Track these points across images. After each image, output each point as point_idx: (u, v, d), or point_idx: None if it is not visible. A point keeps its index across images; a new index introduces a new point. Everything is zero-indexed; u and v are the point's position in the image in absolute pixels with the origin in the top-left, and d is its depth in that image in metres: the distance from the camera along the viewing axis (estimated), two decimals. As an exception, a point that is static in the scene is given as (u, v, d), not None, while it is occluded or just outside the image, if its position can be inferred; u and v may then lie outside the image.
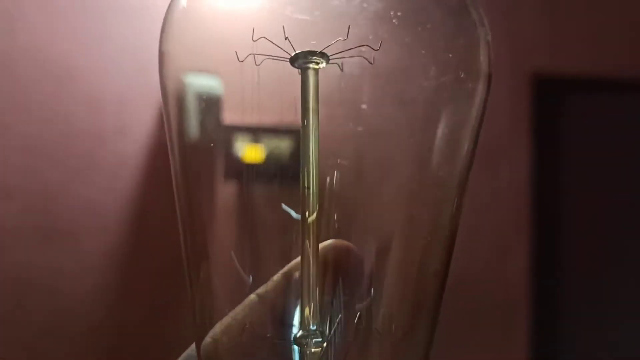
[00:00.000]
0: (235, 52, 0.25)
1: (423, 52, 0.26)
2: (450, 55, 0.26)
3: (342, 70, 0.25)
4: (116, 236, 1.49)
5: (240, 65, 0.26)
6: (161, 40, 0.29)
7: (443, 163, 0.27)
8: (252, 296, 0.27)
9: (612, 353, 1.69)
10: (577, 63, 1.70)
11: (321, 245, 0.26)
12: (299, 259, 0.26)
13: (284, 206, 0.27)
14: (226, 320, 0.27)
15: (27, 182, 1.46)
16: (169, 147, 0.29)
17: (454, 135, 0.27)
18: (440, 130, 0.27)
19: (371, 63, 0.25)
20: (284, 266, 0.27)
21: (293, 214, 0.26)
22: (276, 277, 0.27)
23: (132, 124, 1.49)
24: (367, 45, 0.25)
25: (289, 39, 0.25)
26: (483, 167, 1.64)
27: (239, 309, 0.27)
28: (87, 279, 1.47)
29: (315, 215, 0.25)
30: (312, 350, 0.25)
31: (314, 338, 0.25)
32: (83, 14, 1.49)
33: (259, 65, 0.25)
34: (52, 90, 1.47)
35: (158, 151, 1.50)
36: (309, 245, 0.25)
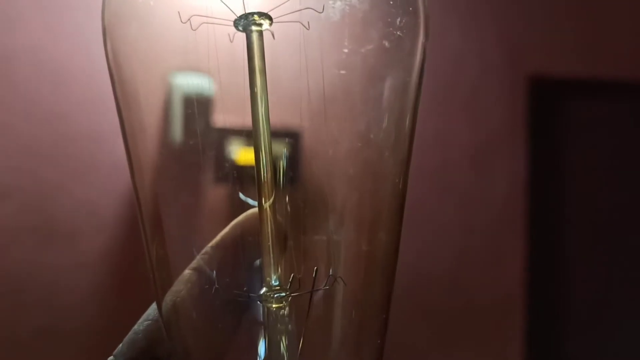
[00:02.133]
0: (179, 12, 0.25)
1: (366, 13, 0.27)
2: (391, 16, 0.27)
3: (308, 29, 0.26)
4: (113, 236, 1.49)
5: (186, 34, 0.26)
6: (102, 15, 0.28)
7: (388, 126, 0.27)
8: (202, 253, 0.28)
9: (608, 355, 1.68)
10: (572, 65, 1.71)
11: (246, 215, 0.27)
12: (239, 218, 0.27)
13: (241, 196, 0.27)
14: (183, 276, 0.28)
15: (24, 182, 1.46)
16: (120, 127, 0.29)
17: (397, 97, 0.28)
18: (384, 91, 0.27)
19: (307, 28, 0.26)
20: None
21: (250, 201, 0.27)
22: (215, 239, 0.28)
23: (129, 124, 1.49)
24: (311, 8, 0.25)
25: (244, 2, 0.26)
26: (478, 168, 1.64)
27: (193, 264, 0.28)
28: (84, 279, 1.47)
29: (269, 173, 0.26)
30: (274, 306, 0.26)
31: (276, 294, 0.26)
32: (79, 15, 1.49)
33: (195, 30, 0.26)
34: (49, 90, 1.47)
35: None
36: (265, 202, 0.26)
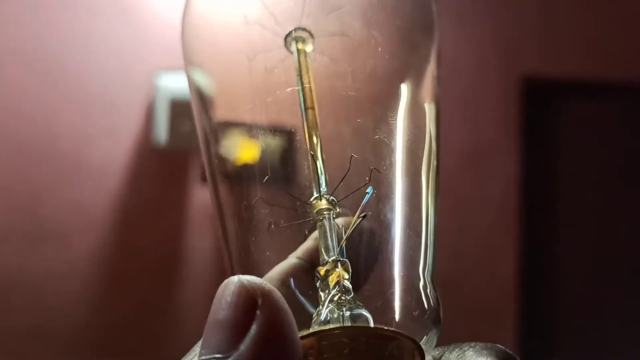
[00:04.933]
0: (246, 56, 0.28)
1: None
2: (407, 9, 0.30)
3: (351, 37, 0.28)
4: (103, 236, 1.49)
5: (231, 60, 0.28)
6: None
7: (419, 107, 0.29)
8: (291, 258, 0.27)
9: (600, 355, 1.70)
10: (566, 67, 1.72)
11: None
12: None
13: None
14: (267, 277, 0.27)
15: (13, 182, 1.45)
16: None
17: (422, 81, 0.30)
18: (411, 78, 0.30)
19: (348, 36, 0.28)
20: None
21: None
22: (308, 241, 0.27)
23: (119, 124, 1.49)
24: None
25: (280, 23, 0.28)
26: (472, 170, 1.65)
27: (278, 268, 0.27)
28: (74, 279, 1.46)
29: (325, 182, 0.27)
30: (324, 206, 0.27)
31: (324, 195, 0.27)
32: (69, 15, 1.49)
33: (251, 61, 0.28)
34: (39, 90, 1.47)
35: (145, 152, 1.50)
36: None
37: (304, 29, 0.27)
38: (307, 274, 0.26)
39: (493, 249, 1.65)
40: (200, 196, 1.50)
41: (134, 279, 1.50)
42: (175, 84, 1.42)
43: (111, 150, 1.49)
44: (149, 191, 1.51)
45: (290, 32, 0.27)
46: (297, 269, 0.26)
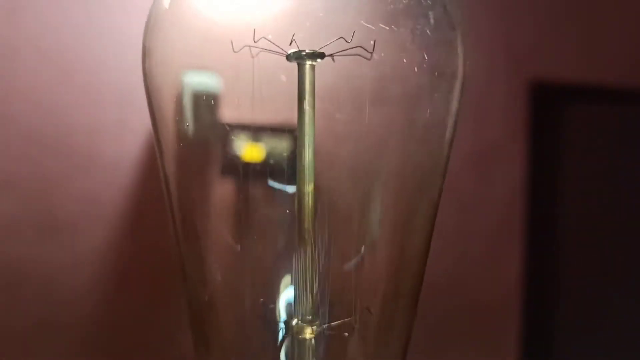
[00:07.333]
0: (231, 42, 0.25)
1: (406, 54, 0.26)
2: (428, 56, 0.27)
3: (334, 60, 0.26)
4: (114, 230, 1.49)
5: (236, 61, 0.26)
6: (145, 36, 0.28)
7: (425, 152, 0.28)
8: None
9: (603, 356, 1.70)
10: (574, 71, 1.71)
11: None
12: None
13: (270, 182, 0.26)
14: None
15: (24, 173, 1.45)
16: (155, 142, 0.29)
17: (435, 128, 0.28)
18: (423, 123, 0.27)
19: (368, 59, 0.25)
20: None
21: (285, 188, 0.26)
22: None
23: (132, 117, 1.49)
24: (361, 47, 0.25)
25: (294, 39, 0.26)
26: (478, 173, 1.65)
27: None
28: (83, 272, 1.47)
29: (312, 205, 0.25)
30: (307, 337, 0.24)
31: (311, 325, 0.24)
32: (85, 6, 1.49)
33: (255, 57, 0.25)
34: (52, 81, 1.46)
35: (157, 146, 1.50)
36: (308, 239, 0.25)
37: (318, 55, 0.25)
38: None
39: (497, 252, 1.65)
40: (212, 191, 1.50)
41: (144, 273, 1.50)
42: (189, 79, 1.43)
43: (124, 144, 1.49)
44: (161, 186, 1.51)
45: (299, 52, 0.25)
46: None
